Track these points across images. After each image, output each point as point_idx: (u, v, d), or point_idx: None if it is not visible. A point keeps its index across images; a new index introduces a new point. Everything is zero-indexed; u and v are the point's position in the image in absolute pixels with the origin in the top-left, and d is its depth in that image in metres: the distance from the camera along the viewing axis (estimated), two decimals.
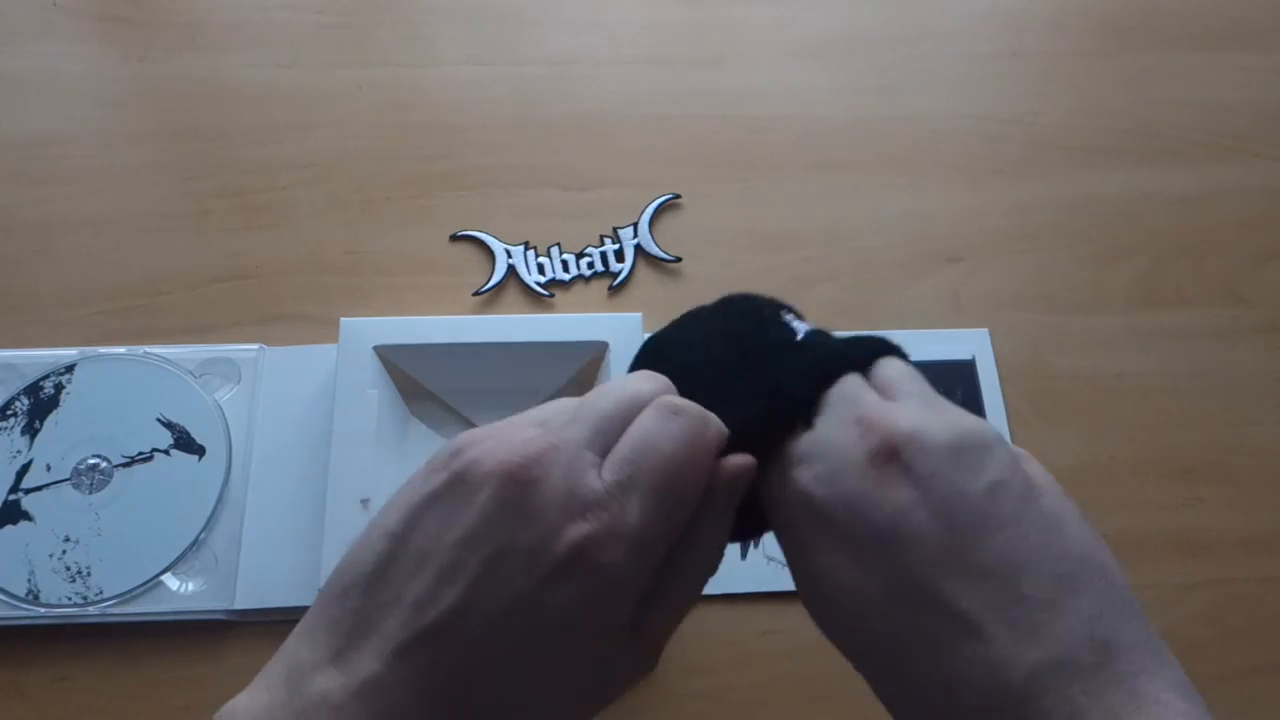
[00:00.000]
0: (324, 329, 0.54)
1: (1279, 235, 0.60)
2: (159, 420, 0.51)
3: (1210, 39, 0.67)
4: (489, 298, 0.57)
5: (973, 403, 0.53)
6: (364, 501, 0.46)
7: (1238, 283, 0.58)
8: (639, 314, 0.52)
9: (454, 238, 0.58)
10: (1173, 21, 0.68)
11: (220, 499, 0.50)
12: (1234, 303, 0.57)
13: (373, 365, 0.50)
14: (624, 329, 0.51)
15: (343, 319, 0.51)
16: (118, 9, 0.66)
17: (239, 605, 0.47)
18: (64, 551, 0.48)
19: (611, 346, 0.51)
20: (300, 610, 0.48)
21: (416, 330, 0.51)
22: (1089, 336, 0.56)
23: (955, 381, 0.54)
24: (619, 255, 0.58)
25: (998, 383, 0.54)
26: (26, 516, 0.49)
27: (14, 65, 0.64)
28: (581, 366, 0.52)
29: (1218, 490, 0.52)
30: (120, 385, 0.52)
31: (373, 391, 0.49)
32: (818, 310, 0.56)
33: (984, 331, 0.56)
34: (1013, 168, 0.62)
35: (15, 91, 0.63)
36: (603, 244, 0.58)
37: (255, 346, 0.54)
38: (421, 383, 0.52)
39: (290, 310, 0.56)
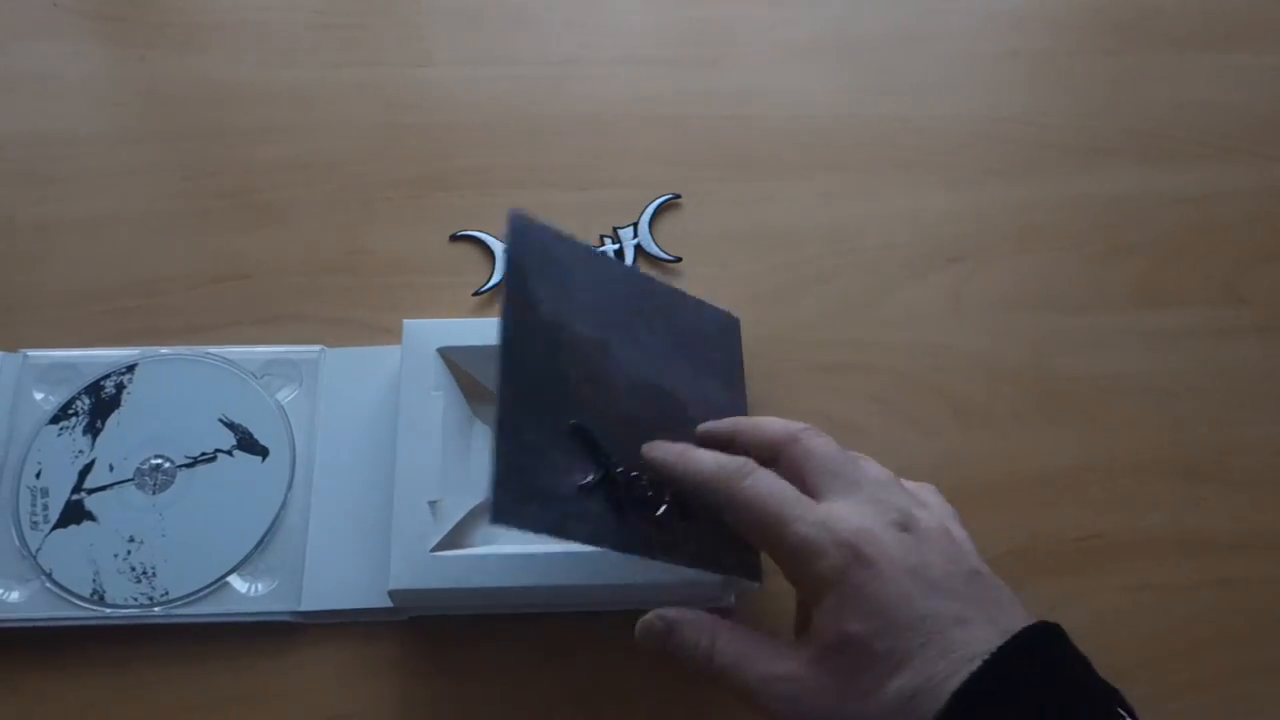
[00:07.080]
0: (324, 328, 0.54)
1: (1279, 235, 0.60)
2: (221, 421, 0.51)
3: (1210, 39, 0.67)
4: (489, 298, 0.57)
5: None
6: (432, 503, 0.46)
7: (1238, 283, 0.58)
8: None
9: (454, 238, 0.58)
10: (1173, 21, 0.68)
11: (285, 500, 0.49)
12: (1234, 303, 0.57)
13: (437, 367, 0.49)
14: None
15: (405, 321, 0.50)
16: (118, 9, 0.67)
17: (305, 607, 0.47)
18: (129, 552, 0.47)
19: None
20: (368, 612, 0.48)
21: (479, 332, 0.50)
22: (1089, 336, 0.56)
23: None
24: (619, 255, 0.58)
25: None
26: (90, 517, 0.48)
27: (14, 65, 0.64)
28: None
29: (1218, 490, 0.52)
30: (181, 386, 0.52)
31: (437, 393, 0.48)
32: (818, 310, 0.57)
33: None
34: (1013, 168, 0.62)
35: (15, 91, 0.63)
36: (603, 244, 0.58)
37: (316, 348, 0.53)
38: (485, 384, 0.51)
39: (290, 310, 0.56)
